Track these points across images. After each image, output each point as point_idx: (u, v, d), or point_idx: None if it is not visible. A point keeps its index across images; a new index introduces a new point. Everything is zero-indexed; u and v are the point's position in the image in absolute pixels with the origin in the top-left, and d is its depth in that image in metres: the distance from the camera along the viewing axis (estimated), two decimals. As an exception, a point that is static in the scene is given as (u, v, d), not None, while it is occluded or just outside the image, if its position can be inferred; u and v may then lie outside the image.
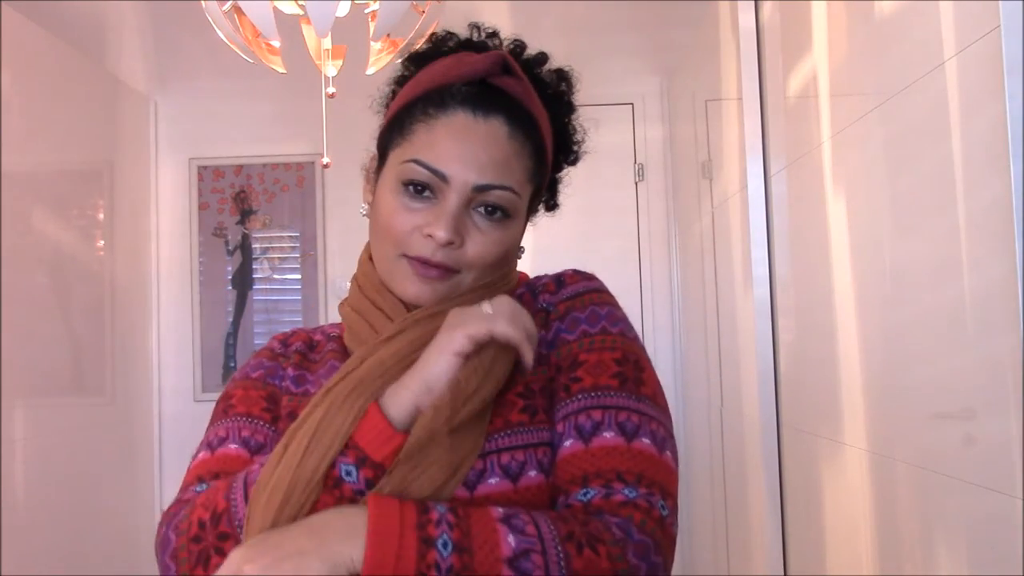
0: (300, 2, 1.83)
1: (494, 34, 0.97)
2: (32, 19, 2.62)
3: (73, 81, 2.94)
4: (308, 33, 1.95)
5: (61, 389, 2.77)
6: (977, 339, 1.19)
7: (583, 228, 3.42)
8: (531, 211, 0.97)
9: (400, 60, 0.99)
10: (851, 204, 1.66)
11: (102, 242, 3.09)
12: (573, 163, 1.00)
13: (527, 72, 0.94)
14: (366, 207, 0.97)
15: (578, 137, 1.00)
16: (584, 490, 0.80)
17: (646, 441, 0.82)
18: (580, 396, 0.84)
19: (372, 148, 0.97)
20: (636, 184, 3.46)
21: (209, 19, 1.82)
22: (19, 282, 2.49)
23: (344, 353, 0.96)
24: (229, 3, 1.80)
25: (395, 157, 0.90)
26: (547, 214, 1.01)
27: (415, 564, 0.70)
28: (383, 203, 0.90)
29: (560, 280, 0.94)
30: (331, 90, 1.88)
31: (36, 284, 2.65)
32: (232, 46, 1.85)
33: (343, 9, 1.81)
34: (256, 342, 3.45)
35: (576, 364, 0.86)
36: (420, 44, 0.98)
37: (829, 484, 1.81)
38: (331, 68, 1.92)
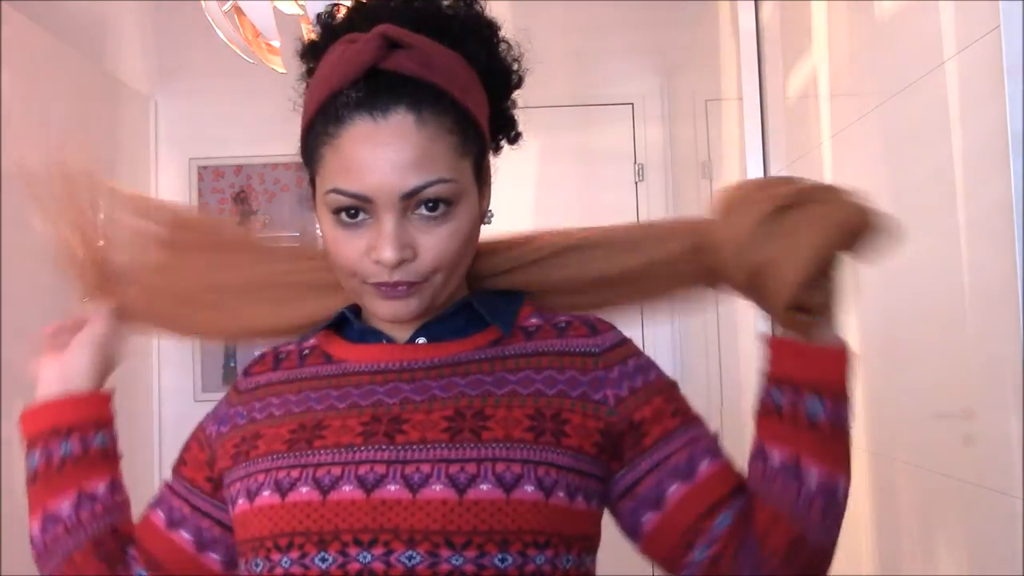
0: (300, 2, 1.83)
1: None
2: (32, 19, 2.62)
3: (73, 81, 2.94)
4: (307, 32, 1.95)
5: (61, 389, 2.76)
6: (977, 339, 1.19)
7: (583, 228, 3.41)
8: (486, 155, 0.89)
9: (299, 56, 0.92)
10: (851, 204, 1.66)
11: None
12: (519, 84, 0.92)
13: (424, 25, 0.84)
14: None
15: (512, 54, 0.90)
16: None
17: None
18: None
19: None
20: (636, 184, 3.45)
21: (209, 19, 1.82)
22: (19, 282, 2.49)
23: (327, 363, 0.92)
24: (229, 3, 1.80)
25: (319, 184, 0.84)
26: (512, 147, 0.94)
27: None
28: (326, 236, 0.85)
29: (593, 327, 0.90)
30: (331, 90, 1.88)
31: (36, 284, 2.65)
32: (232, 46, 1.85)
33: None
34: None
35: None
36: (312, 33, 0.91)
37: (829, 484, 1.81)
38: (331, 68, 1.91)
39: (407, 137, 0.80)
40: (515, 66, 0.91)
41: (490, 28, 0.89)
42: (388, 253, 0.80)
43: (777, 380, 0.85)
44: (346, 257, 0.83)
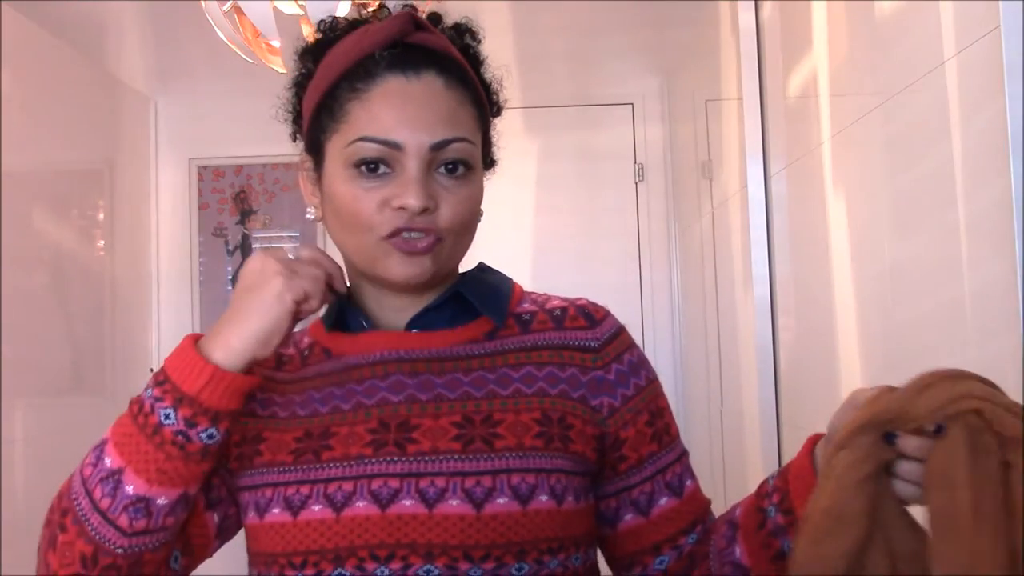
0: (300, 2, 1.83)
1: (382, 7, 0.93)
2: (32, 19, 2.62)
3: (73, 81, 2.94)
4: (308, 33, 1.95)
5: (61, 389, 2.77)
6: (977, 339, 1.19)
7: (583, 228, 3.42)
8: (487, 148, 0.93)
9: (296, 57, 0.94)
10: (851, 204, 1.66)
11: (102, 242, 3.09)
12: (497, 114, 0.95)
13: None
14: (314, 211, 0.91)
15: (495, 87, 0.94)
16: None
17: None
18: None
19: (300, 151, 0.93)
20: (636, 184, 3.46)
21: (209, 19, 1.82)
22: (19, 282, 2.49)
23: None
24: (229, 3, 1.80)
25: (336, 144, 0.85)
26: (487, 173, 0.96)
27: None
28: (339, 195, 0.84)
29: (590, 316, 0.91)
30: (331, 90, 1.88)
31: (36, 284, 2.65)
32: (232, 46, 1.85)
33: (343, 9, 1.81)
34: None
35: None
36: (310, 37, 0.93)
37: (829, 484, 1.81)
38: (331, 68, 1.92)
39: (437, 95, 0.84)
40: (495, 97, 0.94)
41: (479, 59, 0.93)
42: (414, 200, 0.81)
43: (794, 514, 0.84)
44: (365, 209, 0.83)
